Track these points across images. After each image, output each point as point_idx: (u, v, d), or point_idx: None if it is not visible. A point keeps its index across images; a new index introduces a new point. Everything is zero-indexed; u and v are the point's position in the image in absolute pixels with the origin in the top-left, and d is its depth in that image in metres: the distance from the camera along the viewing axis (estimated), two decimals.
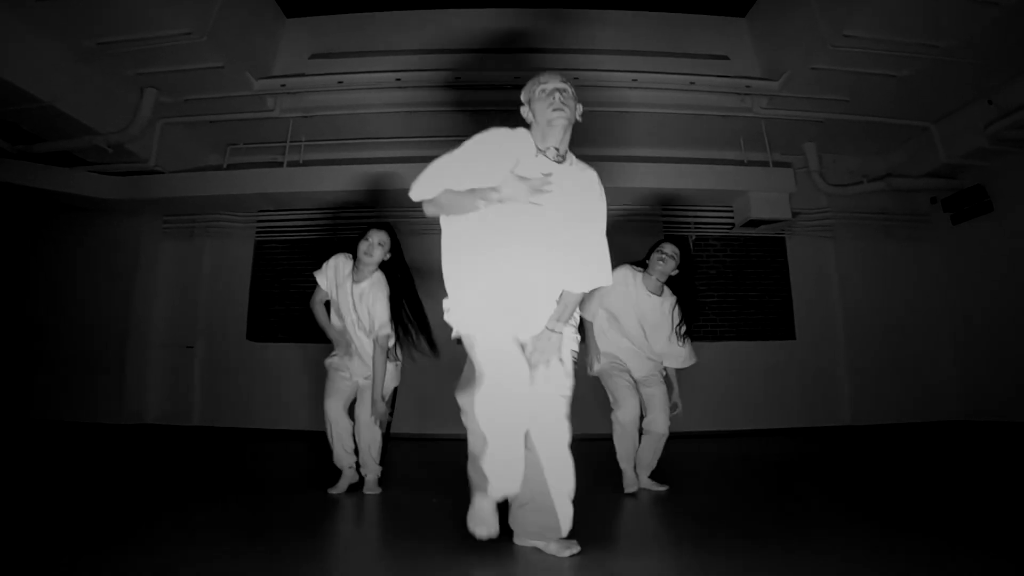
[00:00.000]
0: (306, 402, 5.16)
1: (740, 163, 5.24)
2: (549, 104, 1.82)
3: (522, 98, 1.95)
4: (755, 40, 4.67)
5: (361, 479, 2.81)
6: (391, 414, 3.00)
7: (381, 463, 2.83)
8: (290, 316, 5.43)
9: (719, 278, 5.54)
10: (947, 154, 4.87)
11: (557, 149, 1.88)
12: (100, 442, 4.52)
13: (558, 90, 1.84)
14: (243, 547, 1.89)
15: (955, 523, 2.10)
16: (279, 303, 5.51)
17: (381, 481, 2.81)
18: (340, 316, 2.84)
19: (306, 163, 5.18)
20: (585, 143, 5.23)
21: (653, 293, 2.88)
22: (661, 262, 2.81)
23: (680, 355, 2.92)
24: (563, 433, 1.86)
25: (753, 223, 5.26)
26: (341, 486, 2.77)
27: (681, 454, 4.10)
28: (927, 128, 4.94)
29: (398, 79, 4.41)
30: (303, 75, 4.54)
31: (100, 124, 4.38)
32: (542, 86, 1.87)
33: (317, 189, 5.09)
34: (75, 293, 5.49)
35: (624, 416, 2.71)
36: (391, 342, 2.78)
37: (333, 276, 2.83)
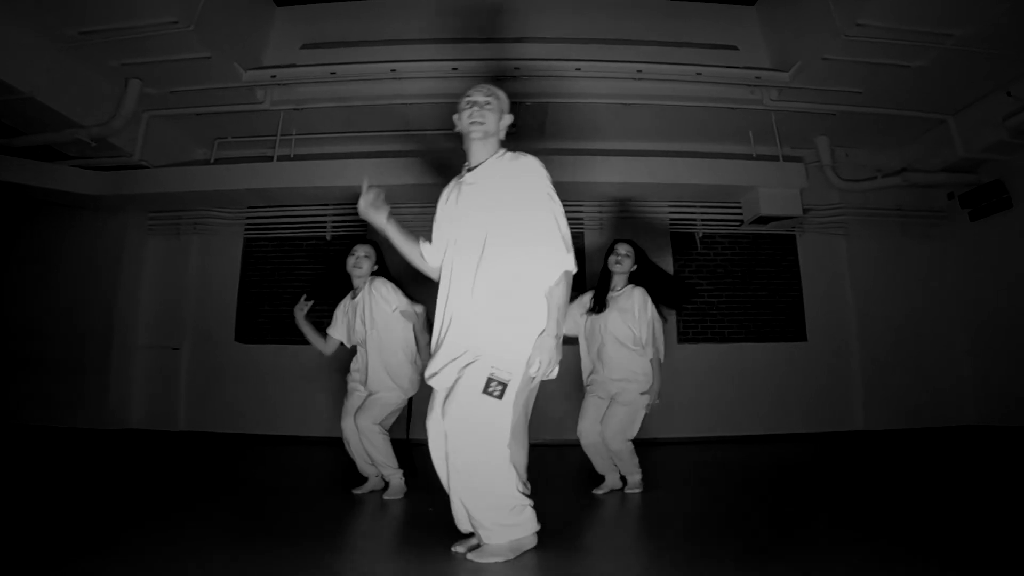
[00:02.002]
0: (297, 406, 5.19)
1: (749, 157, 5.24)
2: (468, 116, 1.98)
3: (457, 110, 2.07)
4: (765, 29, 4.67)
5: (385, 484, 2.98)
6: (409, 419, 3.12)
7: (401, 466, 2.96)
8: (280, 317, 5.44)
9: (727, 277, 5.54)
10: (965, 148, 4.87)
11: (470, 165, 2.03)
12: (83, 448, 4.52)
13: (476, 103, 1.98)
14: (236, 553, 1.89)
15: (969, 532, 2.11)
16: (269, 303, 5.51)
17: (406, 483, 2.97)
18: (359, 342, 3.09)
19: (297, 157, 5.19)
20: (587, 136, 5.30)
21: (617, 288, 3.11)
22: (618, 264, 3.07)
23: (657, 351, 3.03)
24: (478, 431, 1.81)
25: (762, 220, 5.26)
26: (366, 487, 3.00)
27: (687, 460, 4.11)
28: (944, 121, 4.94)
29: (393, 70, 4.41)
30: (294, 66, 4.53)
31: (82, 117, 4.37)
32: (466, 98, 2.02)
33: (309, 185, 5.09)
34: (56, 293, 5.50)
35: (583, 436, 3.01)
36: (417, 309, 2.99)
37: (343, 315, 3.17)
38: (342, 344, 3.22)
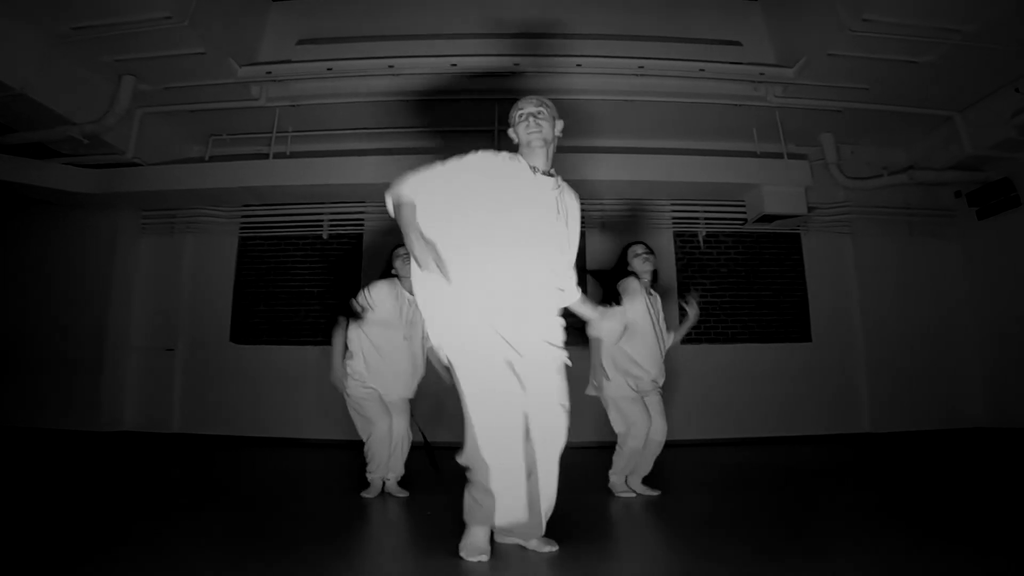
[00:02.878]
0: (293, 408, 5.19)
1: (753, 155, 5.24)
2: (525, 127, 2.08)
3: (510, 122, 2.16)
4: (769, 25, 4.68)
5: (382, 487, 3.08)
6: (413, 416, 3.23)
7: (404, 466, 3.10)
8: (276, 317, 5.45)
9: (730, 277, 5.54)
10: (972, 145, 4.87)
11: (545, 172, 2.09)
12: (75, 450, 4.52)
13: (532, 115, 2.09)
14: (231, 559, 1.90)
15: (982, 533, 2.11)
16: (264, 303, 5.52)
17: (403, 484, 3.08)
18: (387, 331, 3.07)
19: (293, 155, 5.19)
20: (589, 133, 5.29)
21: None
22: (647, 261, 3.11)
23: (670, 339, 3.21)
24: (559, 440, 2.00)
25: (767, 218, 5.26)
26: (373, 491, 3.04)
27: (690, 462, 4.11)
28: (951, 118, 4.94)
29: (391, 66, 4.41)
30: (290, 62, 4.54)
31: (75, 114, 4.38)
32: (520, 111, 2.12)
33: (305, 182, 5.09)
34: (48, 293, 5.50)
35: (636, 443, 2.94)
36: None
37: (372, 300, 3.10)
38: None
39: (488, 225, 1.96)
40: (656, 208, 5.53)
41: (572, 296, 2.18)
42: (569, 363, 2.09)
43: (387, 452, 3.04)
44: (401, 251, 3.09)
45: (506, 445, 1.87)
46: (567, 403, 2.03)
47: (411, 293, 2.99)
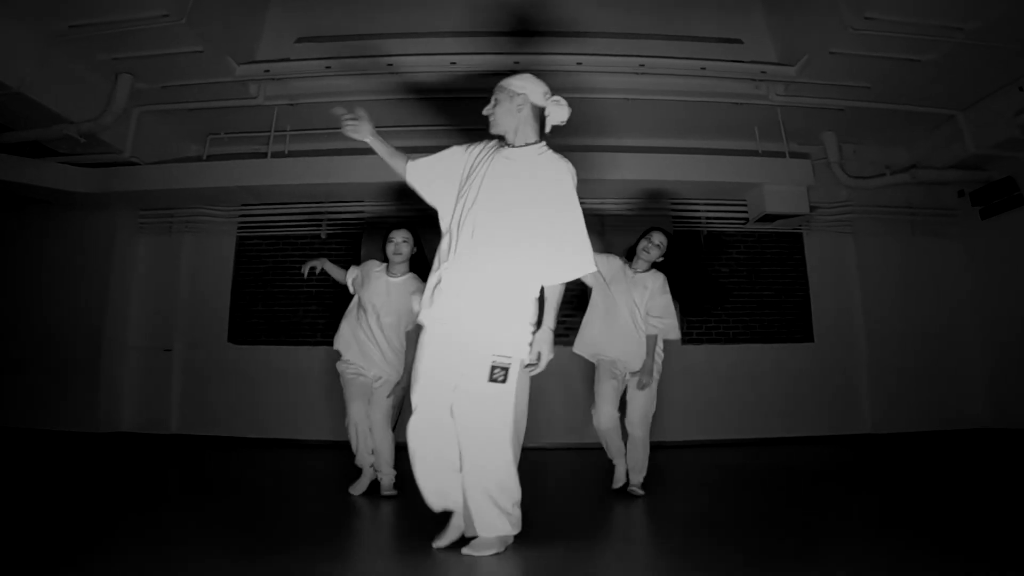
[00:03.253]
0: (292, 409, 5.19)
1: (755, 154, 5.24)
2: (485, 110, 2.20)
3: (538, 90, 2.21)
4: (771, 23, 4.67)
5: (376, 481, 3.09)
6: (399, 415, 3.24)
7: (395, 467, 3.07)
8: (274, 317, 5.45)
9: (732, 276, 5.54)
10: (976, 144, 4.87)
11: (507, 143, 2.18)
12: (72, 451, 4.52)
13: (492, 101, 2.18)
14: (229, 561, 1.90)
15: (980, 540, 2.11)
16: (263, 303, 5.51)
17: (397, 484, 3.05)
18: (365, 310, 3.14)
19: (291, 154, 5.19)
20: (589, 132, 5.29)
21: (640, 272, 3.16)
22: (646, 251, 3.11)
23: (672, 327, 3.11)
24: (486, 419, 1.94)
25: (768, 218, 5.26)
26: (361, 485, 3.07)
27: (690, 463, 4.12)
28: (954, 116, 4.94)
29: (390, 64, 4.41)
30: (288, 60, 4.54)
31: (72, 112, 4.37)
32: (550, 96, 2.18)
33: (303, 182, 5.09)
34: (45, 292, 5.50)
35: (598, 421, 3.04)
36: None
37: (362, 272, 3.22)
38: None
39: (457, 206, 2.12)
40: (657, 207, 5.52)
41: (578, 267, 2.06)
42: (526, 357, 2.00)
43: (362, 440, 3.04)
44: (395, 236, 3.12)
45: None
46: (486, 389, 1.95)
47: (395, 277, 3.13)
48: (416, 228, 3.20)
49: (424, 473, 2.03)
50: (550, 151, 2.16)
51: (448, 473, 2.01)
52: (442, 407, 2.00)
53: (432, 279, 2.09)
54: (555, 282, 2.04)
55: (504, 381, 1.93)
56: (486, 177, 2.09)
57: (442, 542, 2.01)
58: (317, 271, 3.25)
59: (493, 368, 1.92)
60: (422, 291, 2.69)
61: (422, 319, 2.08)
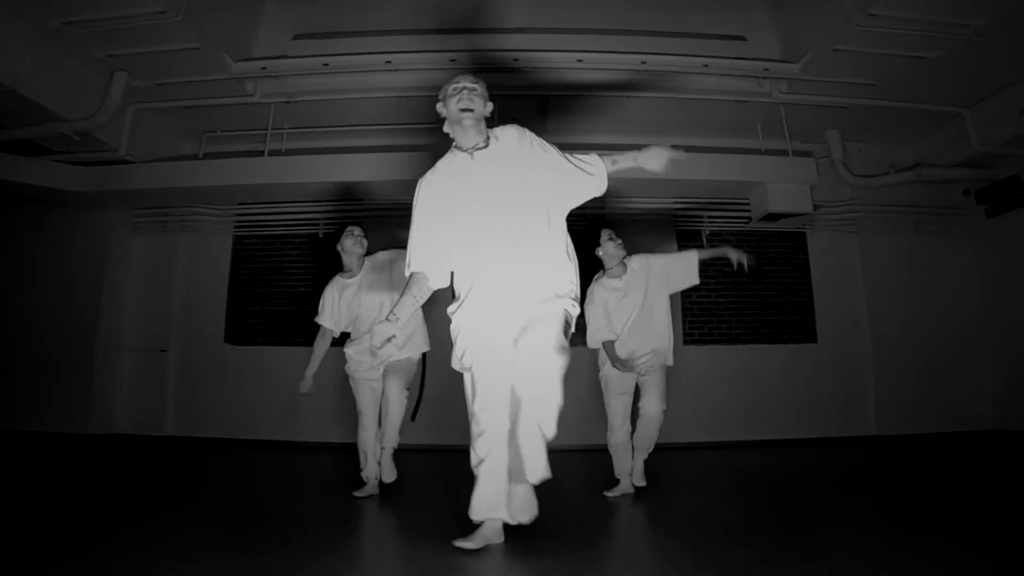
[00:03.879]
0: (289, 410, 5.17)
1: (757, 152, 5.23)
2: (457, 100, 2.13)
3: (438, 98, 2.24)
4: (773, 19, 4.66)
5: (382, 483, 3.15)
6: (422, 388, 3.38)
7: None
8: (271, 317, 5.44)
9: (734, 276, 5.51)
10: (981, 142, 4.86)
11: (479, 146, 2.18)
12: (66, 453, 4.51)
13: (467, 88, 2.14)
14: (224, 564, 1.89)
15: (990, 541, 2.10)
16: (259, 303, 5.51)
17: (395, 486, 3.16)
18: (357, 326, 3.18)
19: (288, 152, 5.18)
20: (589, 130, 5.28)
21: (617, 278, 3.17)
22: (607, 254, 3.15)
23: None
24: (548, 365, 1.99)
25: (771, 217, 5.25)
26: (366, 490, 3.06)
27: (694, 465, 4.11)
28: (959, 114, 4.93)
29: (388, 61, 4.40)
30: (285, 57, 4.53)
31: (66, 110, 4.36)
32: (454, 85, 2.18)
33: (300, 180, 5.09)
34: (39, 292, 5.49)
35: (614, 438, 3.09)
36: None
37: (332, 301, 3.22)
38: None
39: (458, 228, 2.12)
40: (658, 206, 5.51)
41: (598, 184, 2.25)
42: (571, 325, 2.13)
43: (371, 455, 3.08)
44: (353, 229, 3.18)
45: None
46: (560, 361, 2.02)
47: (354, 275, 3.16)
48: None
49: (487, 481, 2.05)
50: (497, 130, 2.21)
51: (503, 483, 2.06)
52: (504, 423, 2.05)
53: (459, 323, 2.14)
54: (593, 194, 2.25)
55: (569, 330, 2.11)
56: (468, 188, 2.13)
57: (468, 544, 2.01)
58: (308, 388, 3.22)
59: (566, 323, 2.08)
60: (395, 257, 2.99)
61: (464, 368, 2.14)
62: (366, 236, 3.23)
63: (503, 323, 2.06)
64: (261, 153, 5.12)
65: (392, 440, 3.10)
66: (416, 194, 2.20)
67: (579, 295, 2.18)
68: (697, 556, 2.00)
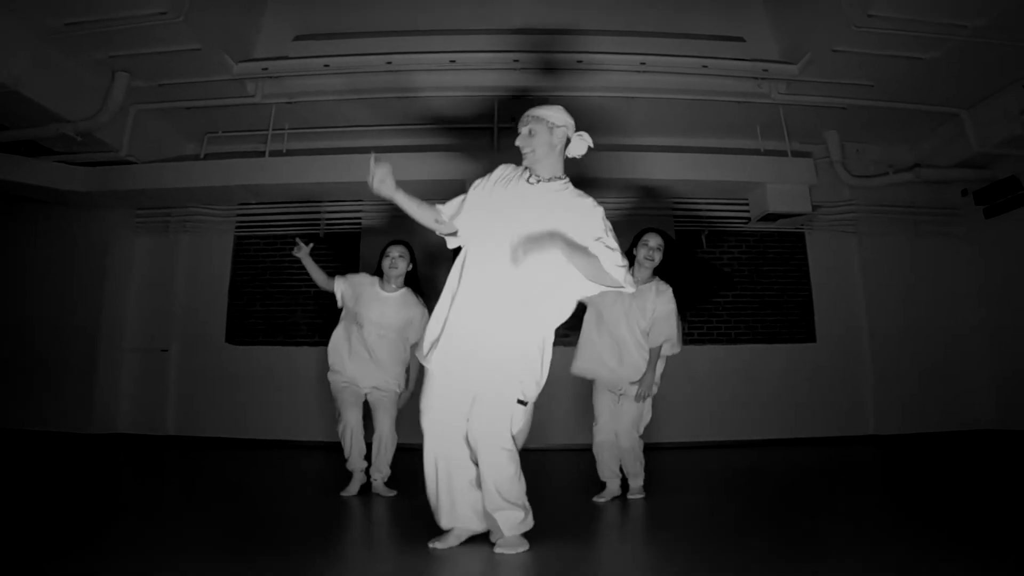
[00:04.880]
0: (290, 410, 5.18)
1: (756, 153, 5.24)
2: (518, 140, 2.18)
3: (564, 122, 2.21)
4: (773, 20, 4.66)
5: (369, 483, 3.15)
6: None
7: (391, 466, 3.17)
8: (272, 317, 5.44)
9: (734, 276, 5.54)
10: (979, 143, 4.87)
11: (536, 174, 2.17)
12: (67, 453, 4.52)
13: (526, 133, 2.16)
14: (224, 562, 1.89)
15: (988, 540, 2.10)
16: (261, 303, 5.51)
17: (389, 484, 3.14)
18: (360, 324, 3.16)
19: (290, 152, 5.18)
20: (589, 131, 5.22)
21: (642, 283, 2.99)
22: (649, 260, 2.97)
23: (675, 344, 3.04)
24: (499, 428, 2.01)
25: (770, 217, 5.26)
26: (352, 488, 3.11)
27: (693, 465, 4.11)
28: (957, 115, 4.94)
29: (389, 62, 4.41)
30: (286, 58, 4.53)
31: (68, 111, 4.37)
32: (521, 122, 2.19)
33: (301, 180, 5.09)
34: (40, 293, 5.49)
35: (600, 435, 3.00)
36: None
37: (352, 287, 3.22)
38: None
39: (480, 232, 2.14)
40: (658, 206, 5.52)
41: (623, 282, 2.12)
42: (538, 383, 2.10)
43: (356, 445, 3.11)
44: (392, 251, 3.16)
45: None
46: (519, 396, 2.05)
47: (391, 291, 3.17)
48: (413, 244, 3.24)
49: (436, 491, 2.09)
50: (571, 186, 2.19)
51: (459, 491, 2.07)
52: (456, 430, 2.07)
53: (437, 318, 2.13)
54: (595, 291, 2.11)
55: (525, 404, 2.07)
56: (506, 208, 2.12)
57: (441, 544, 2.03)
58: (301, 255, 3.20)
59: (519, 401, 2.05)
60: (422, 311, 3.01)
61: (427, 363, 2.11)
62: (406, 253, 3.19)
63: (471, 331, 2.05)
64: (262, 153, 5.12)
65: (384, 473, 3.13)
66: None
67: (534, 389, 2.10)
68: (695, 555, 2.01)
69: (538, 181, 2.15)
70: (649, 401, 2.98)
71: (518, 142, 2.17)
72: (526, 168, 2.18)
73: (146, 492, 3.33)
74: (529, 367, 2.06)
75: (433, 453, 2.09)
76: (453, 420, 2.06)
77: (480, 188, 2.23)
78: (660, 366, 3.01)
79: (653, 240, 2.98)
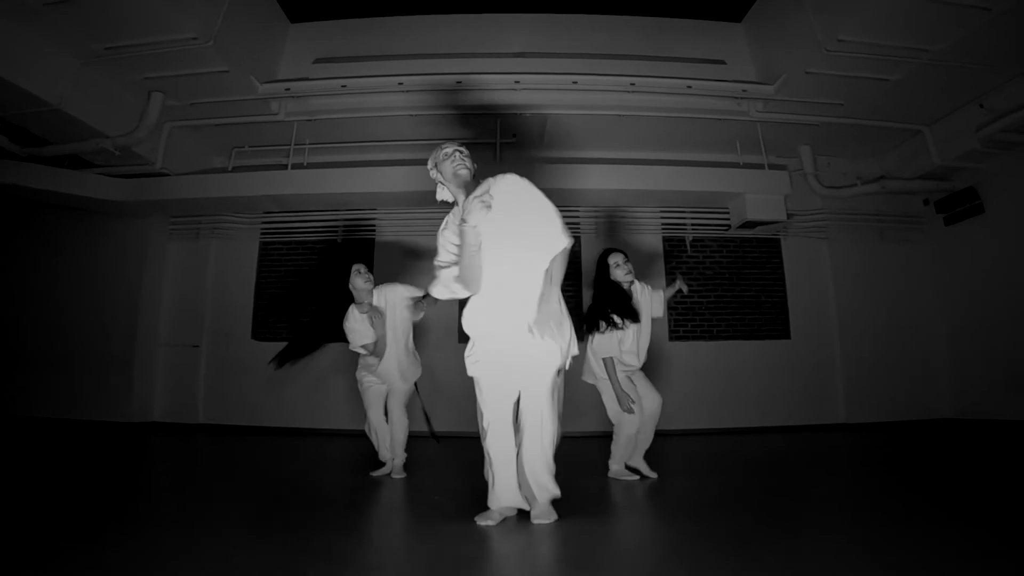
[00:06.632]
0: (310, 401, 5.18)
1: (736, 165, 5.24)
2: (452, 162, 2.23)
3: (428, 165, 2.32)
4: (751, 45, 4.67)
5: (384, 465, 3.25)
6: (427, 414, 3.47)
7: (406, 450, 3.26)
8: (294, 315, 5.43)
9: (715, 278, 5.53)
10: (940, 157, 4.87)
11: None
12: (108, 439, 4.51)
13: (458, 151, 2.24)
14: (252, 539, 1.89)
15: (949, 519, 2.10)
16: (283, 303, 5.50)
17: (405, 467, 3.20)
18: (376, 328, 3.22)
19: (310, 165, 5.19)
20: (584, 145, 5.29)
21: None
22: (629, 273, 3.02)
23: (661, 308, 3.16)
24: (547, 404, 2.13)
25: (749, 224, 5.26)
26: (384, 471, 3.20)
27: (678, 450, 4.10)
28: (920, 131, 4.95)
29: (400, 83, 4.41)
30: (307, 79, 4.54)
31: (108, 127, 4.38)
32: (444, 151, 2.26)
33: (321, 191, 5.09)
34: (83, 293, 5.50)
35: (631, 429, 2.94)
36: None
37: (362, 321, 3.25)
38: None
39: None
40: (647, 215, 5.52)
41: (558, 241, 2.14)
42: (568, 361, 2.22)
43: (381, 438, 3.25)
44: (358, 267, 3.22)
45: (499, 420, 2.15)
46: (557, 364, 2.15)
47: (365, 303, 3.19)
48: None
49: (502, 471, 2.14)
50: (489, 180, 2.21)
51: (507, 476, 2.14)
52: (508, 413, 2.16)
53: (476, 303, 2.20)
54: (552, 256, 2.14)
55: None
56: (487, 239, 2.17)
57: (490, 521, 2.08)
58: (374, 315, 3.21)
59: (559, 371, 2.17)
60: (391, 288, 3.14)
61: (471, 372, 2.19)
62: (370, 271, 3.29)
63: (506, 325, 2.14)
64: (285, 166, 5.13)
65: (400, 456, 3.19)
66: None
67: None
68: (683, 531, 2.01)
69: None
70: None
71: (452, 163, 2.23)
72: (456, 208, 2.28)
73: (180, 475, 3.32)
74: (563, 333, 2.17)
75: (495, 446, 2.14)
76: (505, 416, 2.15)
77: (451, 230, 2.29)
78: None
79: (620, 258, 3.03)
